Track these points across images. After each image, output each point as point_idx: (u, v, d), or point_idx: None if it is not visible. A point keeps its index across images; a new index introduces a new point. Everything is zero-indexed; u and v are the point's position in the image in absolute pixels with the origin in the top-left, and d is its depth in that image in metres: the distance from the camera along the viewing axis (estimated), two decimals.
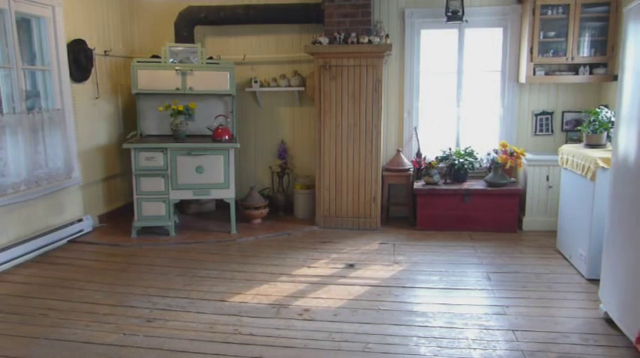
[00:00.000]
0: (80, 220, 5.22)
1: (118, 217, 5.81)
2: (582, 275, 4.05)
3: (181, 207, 6.02)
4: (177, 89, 5.37)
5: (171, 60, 5.39)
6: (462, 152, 5.52)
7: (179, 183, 5.14)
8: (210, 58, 5.78)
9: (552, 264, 4.38)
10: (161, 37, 6.03)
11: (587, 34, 5.11)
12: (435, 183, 5.39)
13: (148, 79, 5.33)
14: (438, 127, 5.86)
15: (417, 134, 5.78)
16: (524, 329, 3.23)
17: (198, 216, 6.00)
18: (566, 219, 4.47)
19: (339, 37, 5.21)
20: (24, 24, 4.69)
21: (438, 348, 3.00)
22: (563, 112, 5.58)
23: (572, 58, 5.11)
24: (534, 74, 5.26)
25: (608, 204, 3.34)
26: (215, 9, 5.72)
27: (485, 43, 5.68)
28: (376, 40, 5.16)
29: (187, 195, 5.23)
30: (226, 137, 5.28)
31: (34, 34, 4.77)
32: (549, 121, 5.61)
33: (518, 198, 5.26)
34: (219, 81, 5.42)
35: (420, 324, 3.30)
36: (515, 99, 5.62)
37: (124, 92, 5.96)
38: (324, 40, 5.20)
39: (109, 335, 3.17)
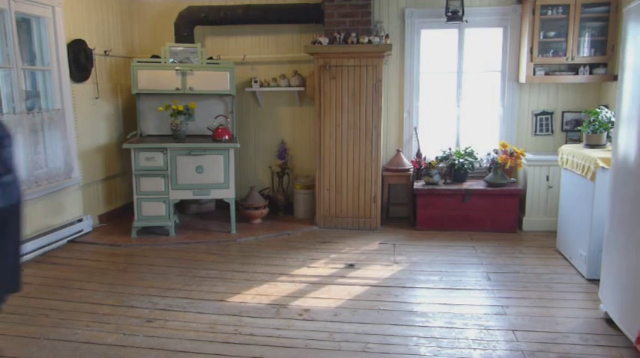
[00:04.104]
0: (80, 220, 5.22)
1: (118, 217, 5.81)
2: (582, 276, 4.05)
3: (181, 207, 6.01)
4: (177, 89, 5.37)
5: (171, 60, 5.39)
6: (462, 152, 5.52)
7: (179, 183, 5.14)
8: (210, 58, 5.79)
9: (552, 264, 4.38)
10: (161, 37, 6.03)
11: (587, 34, 5.11)
12: (435, 183, 5.39)
13: (148, 79, 5.34)
14: (438, 127, 5.86)
15: (417, 134, 5.78)
16: (524, 329, 3.23)
17: (198, 216, 6.00)
18: (566, 219, 4.47)
19: (339, 37, 5.21)
20: (24, 24, 4.69)
21: (438, 348, 3.00)
22: (563, 112, 5.57)
23: (572, 58, 5.11)
24: (534, 74, 5.26)
25: (608, 204, 3.34)
26: (215, 9, 5.72)
27: (485, 43, 5.68)
28: (376, 40, 5.16)
29: (187, 195, 5.23)
30: (226, 137, 5.28)
31: (34, 34, 4.77)
32: (549, 121, 5.61)
33: (518, 198, 5.26)
34: (219, 81, 5.42)
35: (420, 324, 3.30)
36: (515, 99, 5.62)
37: (124, 92, 5.96)
38: (324, 40, 5.20)
39: (109, 336, 3.17)
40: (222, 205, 5.86)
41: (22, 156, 4.45)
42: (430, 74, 5.79)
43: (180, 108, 5.28)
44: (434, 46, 5.76)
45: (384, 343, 3.07)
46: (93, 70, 5.34)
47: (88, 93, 5.36)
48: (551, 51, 5.21)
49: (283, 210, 6.00)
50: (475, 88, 5.74)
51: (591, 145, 4.26)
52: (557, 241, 4.71)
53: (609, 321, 3.24)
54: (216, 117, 5.54)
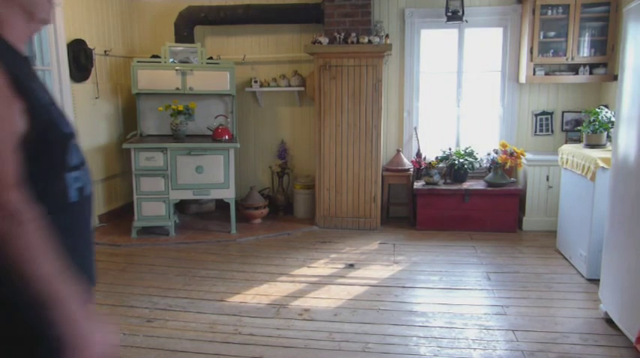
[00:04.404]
0: None
1: (118, 217, 5.80)
2: (582, 276, 4.05)
3: (181, 207, 6.01)
4: (177, 89, 5.37)
5: (171, 60, 5.39)
6: (462, 152, 5.52)
7: (179, 183, 5.14)
8: (210, 58, 5.78)
9: (552, 264, 4.38)
10: (161, 37, 6.03)
11: (587, 34, 5.11)
12: (435, 183, 5.39)
13: (148, 79, 5.33)
14: (438, 127, 5.86)
15: (417, 134, 5.78)
16: (524, 329, 3.23)
17: (198, 216, 6.00)
18: (566, 219, 4.47)
19: (339, 37, 5.21)
20: None
21: (438, 348, 3.00)
22: (563, 112, 5.57)
23: (572, 58, 5.11)
24: (534, 74, 5.26)
25: (608, 204, 3.34)
26: (215, 9, 5.72)
27: (485, 43, 5.68)
28: (376, 40, 5.16)
29: (187, 195, 5.23)
30: (226, 137, 5.29)
31: (33, 34, 4.77)
32: (549, 121, 5.61)
33: (518, 198, 5.26)
34: (219, 81, 5.42)
35: (420, 324, 3.30)
36: (515, 99, 5.62)
37: (124, 92, 5.96)
38: (324, 40, 5.20)
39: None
40: (222, 205, 5.86)
41: None
42: (430, 74, 5.79)
43: (180, 108, 5.28)
44: (434, 46, 5.76)
45: (384, 343, 3.07)
46: (93, 69, 5.34)
47: (88, 93, 5.36)
48: (551, 51, 5.21)
49: (283, 210, 6.00)
50: (475, 88, 5.74)
51: (591, 145, 4.26)
52: (557, 241, 4.71)
53: (609, 321, 3.24)
54: (216, 117, 5.54)
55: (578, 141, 5.04)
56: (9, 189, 1.07)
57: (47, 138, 1.20)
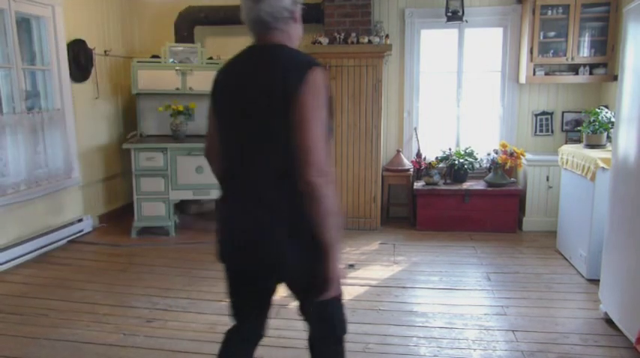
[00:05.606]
0: (80, 220, 5.22)
1: (118, 217, 5.80)
2: (582, 276, 4.05)
3: (181, 207, 6.01)
4: (177, 89, 5.37)
5: (171, 60, 5.39)
6: (462, 152, 5.52)
7: (179, 183, 5.14)
8: (210, 58, 5.78)
9: (552, 264, 4.38)
10: (161, 37, 6.02)
11: (587, 34, 5.11)
12: (435, 184, 5.39)
13: (148, 79, 5.33)
14: (438, 127, 5.86)
15: (417, 134, 5.78)
16: (524, 329, 3.23)
17: (198, 216, 6.00)
18: (566, 220, 4.47)
19: (339, 37, 5.21)
20: (24, 24, 4.69)
21: (438, 348, 3.00)
22: (563, 112, 5.57)
23: (572, 58, 5.11)
24: (534, 74, 5.26)
25: (608, 205, 3.34)
26: (215, 9, 5.72)
27: (485, 43, 5.68)
28: (376, 40, 5.17)
29: (187, 195, 5.23)
30: None
31: (34, 34, 4.77)
32: (549, 121, 5.61)
33: (518, 199, 5.25)
34: None
35: (420, 324, 3.30)
36: (515, 99, 5.62)
37: (124, 92, 5.96)
38: (324, 40, 5.20)
39: (109, 336, 3.17)
40: None
41: (22, 156, 4.45)
42: (430, 74, 5.79)
43: (180, 108, 5.28)
44: (434, 46, 5.76)
45: (384, 343, 3.07)
46: (93, 69, 5.34)
47: (88, 93, 5.36)
48: (551, 51, 5.21)
49: None
50: (475, 88, 5.74)
51: (591, 145, 4.26)
52: (557, 241, 4.71)
53: (609, 321, 3.24)
54: None
55: (578, 141, 5.03)
56: (330, 164, 1.63)
57: (331, 124, 1.78)
